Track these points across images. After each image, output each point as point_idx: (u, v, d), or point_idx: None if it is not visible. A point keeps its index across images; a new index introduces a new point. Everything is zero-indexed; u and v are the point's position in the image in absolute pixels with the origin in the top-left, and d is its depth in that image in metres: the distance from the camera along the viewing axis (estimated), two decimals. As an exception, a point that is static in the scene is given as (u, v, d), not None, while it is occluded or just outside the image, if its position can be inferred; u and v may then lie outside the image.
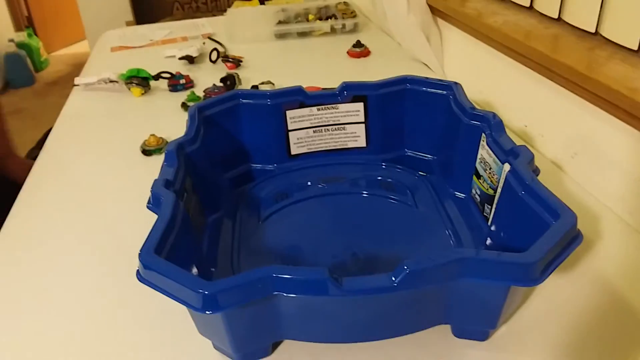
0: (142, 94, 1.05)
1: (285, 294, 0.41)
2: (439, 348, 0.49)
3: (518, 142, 0.58)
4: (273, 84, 1.02)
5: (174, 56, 1.22)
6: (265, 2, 1.79)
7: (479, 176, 0.64)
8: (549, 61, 0.72)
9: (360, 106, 0.73)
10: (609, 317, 0.52)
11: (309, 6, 1.39)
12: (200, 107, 0.68)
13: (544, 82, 0.77)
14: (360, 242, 0.62)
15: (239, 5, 1.74)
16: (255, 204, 0.69)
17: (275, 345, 0.50)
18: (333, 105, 0.73)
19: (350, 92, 0.73)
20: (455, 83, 0.71)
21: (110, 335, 0.52)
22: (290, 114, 0.73)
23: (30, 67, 3.42)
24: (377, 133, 0.75)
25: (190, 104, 0.97)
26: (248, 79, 1.08)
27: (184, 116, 0.72)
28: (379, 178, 0.73)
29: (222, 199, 0.68)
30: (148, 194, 0.53)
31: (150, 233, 0.46)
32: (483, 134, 0.63)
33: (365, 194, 0.71)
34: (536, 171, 0.55)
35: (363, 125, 0.75)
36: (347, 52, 1.22)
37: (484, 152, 0.63)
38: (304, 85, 0.73)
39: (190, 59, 1.19)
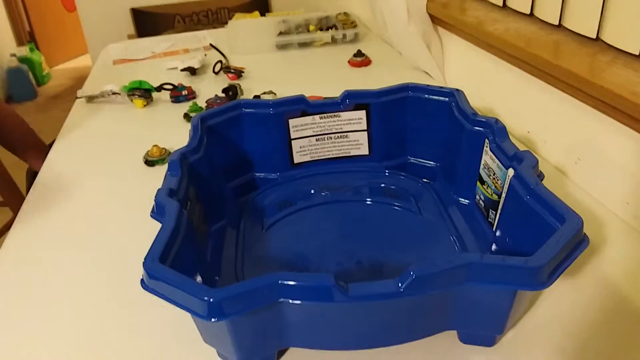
0: (145, 105, 1.05)
1: (290, 301, 0.41)
2: (445, 354, 0.49)
3: (521, 148, 0.58)
4: (275, 94, 1.02)
5: (176, 68, 1.23)
6: (266, 14, 1.81)
7: (482, 182, 0.64)
8: (550, 67, 0.72)
9: (362, 114, 0.74)
10: (615, 321, 0.52)
11: (309, 17, 1.40)
12: (203, 117, 0.68)
13: (546, 88, 0.77)
14: (364, 249, 0.61)
15: (240, 17, 1.75)
16: (258, 213, 0.69)
17: (281, 353, 0.49)
18: (335, 114, 0.73)
19: (353, 100, 0.73)
20: (457, 90, 0.71)
21: (113, 343, 0.52)
22: (292, 122, 0.73)
23: (32, 82, 3.43)
24: (380, 141, 0.75)
25: (193, 114, 0.97)
26: (250, 89, 1.09)
27: (187, 127, 0.72)
28: (383, 185, 0.73)
29: (226, 207, 0.68)
30: (151, 204, 0.53)
31: (154, 242, 0.46)
32: (486, 140, 0.63)
33: (368, 201, 0.70)
34: (540, 176, 0.55)
35: (365, 133, 0.75)
36: (348, 62, 1.23)
37: (488, 158, 0.62)
38: (306, 95, 0.73)
39: (192, 71, 1.19)
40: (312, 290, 0.41)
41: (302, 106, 0.72)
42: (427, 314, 0.46)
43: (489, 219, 0.62)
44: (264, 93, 1.03)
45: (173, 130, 0.94)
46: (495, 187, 0.60)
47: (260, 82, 1.13)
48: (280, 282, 0.41)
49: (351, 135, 0.75)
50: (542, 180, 0.54)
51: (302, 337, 0.47)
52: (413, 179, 0.75)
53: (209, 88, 1.11)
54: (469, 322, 0.47)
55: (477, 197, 0.66)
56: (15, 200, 1.25)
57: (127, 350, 0.51)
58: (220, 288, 0.40)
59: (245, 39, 1.35)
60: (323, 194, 0.72)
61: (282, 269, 0.59)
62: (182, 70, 1.20)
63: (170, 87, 1.07)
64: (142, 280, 0.43)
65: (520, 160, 0.56)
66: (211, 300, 0.39)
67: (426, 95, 0.72)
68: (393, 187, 0.73)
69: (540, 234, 0.46)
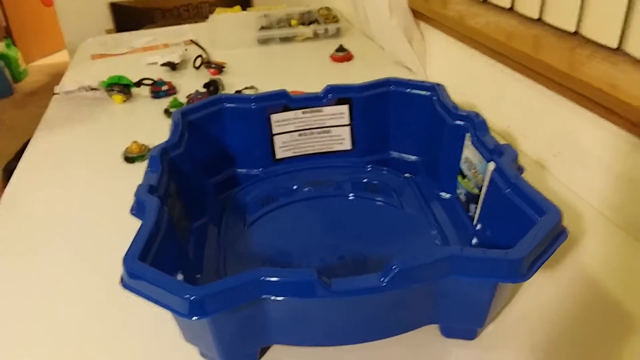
0: (124, 101, 1.04)
1: (273, 297, 0.41)
2: (428, 348, 0.49)
3: (501, 142, 0.58)
4: (256, 89, 1.01)
5: (155, 63, 1.21)
6: (248, 8, 1.79)
7: (463, 176, 0.64)
8: (530, 61, 0.73)
9: (344, 109, 0.73)
10: (593, 311, 0.52)
11: (291, 11, 1.39)
12: (184, 112, 0.68)
13: (525, 82, 0.77)
14: (347, 244, 0.61)
15: (221, 12, 1.73)
16: (240, 209, 0.69)
17: (264, 351, 0.49)
18: (318, 109, 0.73)
19: (335, 94, 0.73)
20: (438, 84, 0.71)
21: (93, 343, 0.51)
22: (274, 117, 0.72)
23: (8, 78, 3.36)
24: (362, 135, 0.75)
25: (173, 110, 0.96)
26: (231, 84, 1.08)
27: (167, 123, 0.71)
28: (365, 180, 0.73)
29: (207, 204, 0.68)
30: (131, 201, 0.52)
31: (134, 239, 0.45)
32: (467, 134, 0.63)
33: (351, 196, 0.70)
34: (521, 169, 0.55)
35: (348, 127, 0.75)
36: (330, 57, 1.22)
37: (469, 152, 0.63)
38: (288, 90, 0.73)
39: (172, 66, 1.18)
40: (295, 286, 0.41)
41: (284, 101, 0.72)
42: (409, 308, 0.46)
43: (470, 213, 0.63)
44: (246, 88, 1.02)
45: (153, 126, 0.93)
46: (476, 180, 0.61)
47: (242, 77, 1.12)
48: (262, 278, 0.40)
49: (334, 130, 0.75)
50: (522, 173, 0.54)
51: (285, 333, 0.46)
52: (395, 174, 0.75)
53: (189, 83, 1.10)
54: (450, 315, 0.48)
55: (459, 191, 0.66)
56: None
57: (104, 350, 0.50)
58: (202, 286, 0.40)
59: (226, 34, 1.34)
60: (306, 189, 0.72)
61: (265, 265, 0.59)
62: (162, 65, 1.18)
63: (150, 82, 1.06)
64: (122, 278, 0.43)
65: (500, 153, 0.56)
66: (192, 298, 0.39)
67: (408, 90, 0.73)
68: (375, 182, 0.73)
69: (520, 227, 0.46)
